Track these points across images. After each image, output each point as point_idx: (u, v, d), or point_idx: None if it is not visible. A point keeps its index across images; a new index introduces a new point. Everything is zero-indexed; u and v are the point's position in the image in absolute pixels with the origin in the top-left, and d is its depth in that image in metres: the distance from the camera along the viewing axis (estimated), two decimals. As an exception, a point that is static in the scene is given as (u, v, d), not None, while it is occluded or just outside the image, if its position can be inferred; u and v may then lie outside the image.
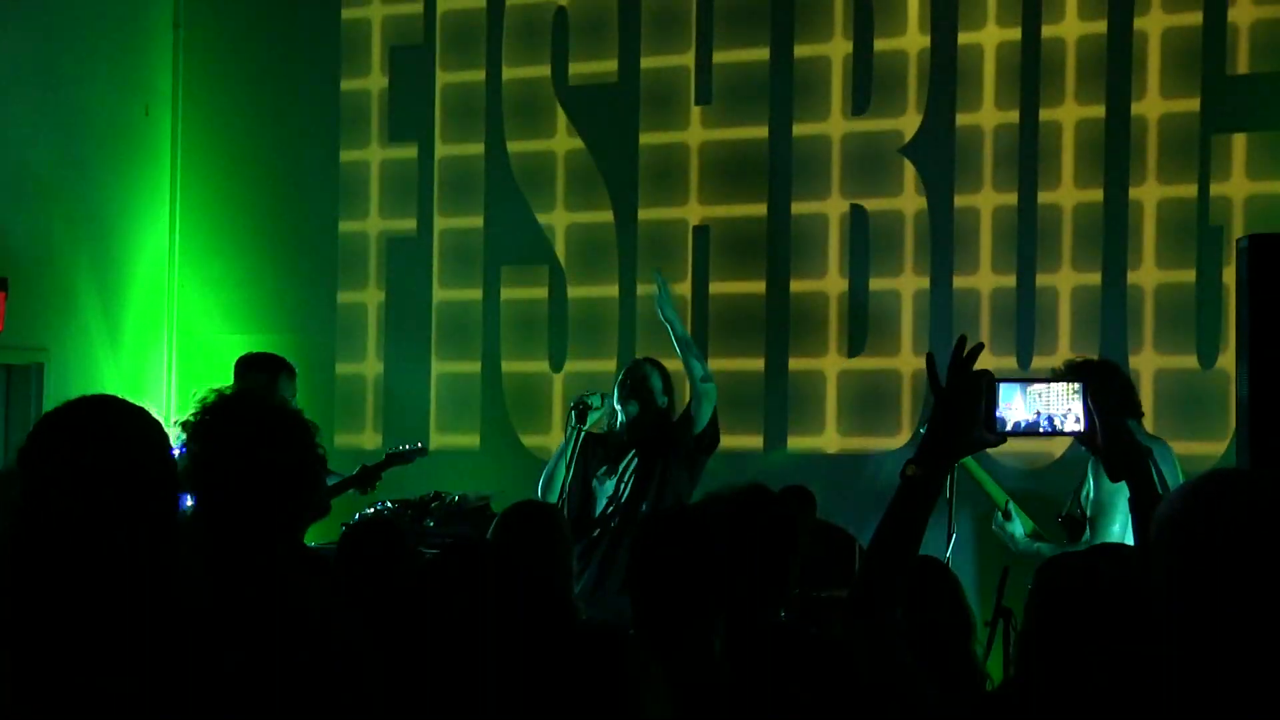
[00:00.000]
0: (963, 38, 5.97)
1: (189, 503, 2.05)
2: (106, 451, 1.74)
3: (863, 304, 6.09)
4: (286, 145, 6.91)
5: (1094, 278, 5.80)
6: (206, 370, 5.44)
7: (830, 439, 6.12)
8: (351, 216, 6.84)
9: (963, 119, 5.96)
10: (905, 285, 6.06)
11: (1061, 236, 5.84)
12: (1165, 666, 1.62)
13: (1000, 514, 3.93)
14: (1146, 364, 5.70)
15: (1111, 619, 1.82)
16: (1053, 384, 1.98)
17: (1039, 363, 5.62)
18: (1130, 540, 3.56)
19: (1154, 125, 5.76)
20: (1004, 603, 3.76)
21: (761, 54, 6.24)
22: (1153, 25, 5.73)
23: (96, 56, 6.62)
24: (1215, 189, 5.65)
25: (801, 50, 6.19)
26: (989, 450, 1.99)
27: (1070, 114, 5.85)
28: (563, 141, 6.53)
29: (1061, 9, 5.84)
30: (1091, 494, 3.76)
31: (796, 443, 6.12)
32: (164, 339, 7.01)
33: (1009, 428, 1.94)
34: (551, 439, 6.23)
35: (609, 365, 6.14)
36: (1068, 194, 5.86)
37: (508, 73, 6.60)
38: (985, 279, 5.96)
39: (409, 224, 6.76)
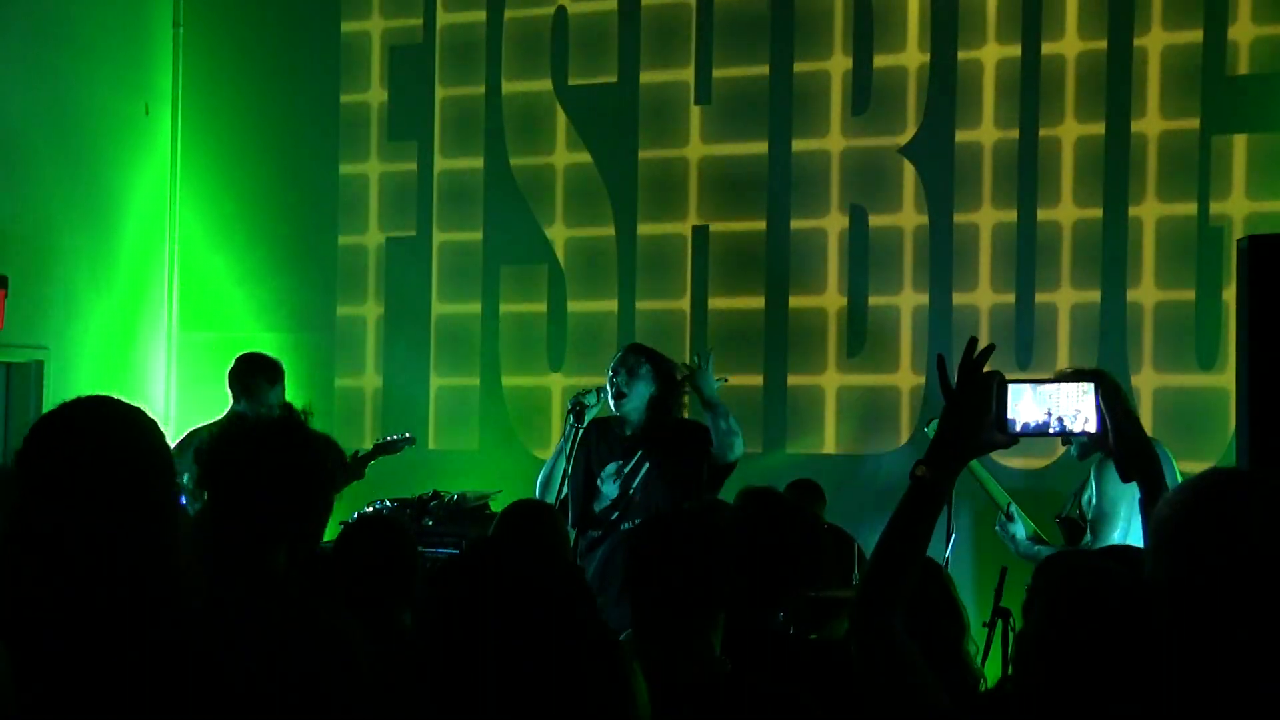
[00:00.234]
0: (963, 54, 5.99)
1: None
2: (103, 452, 1.74)
3: (861, 319, 6.10)
4: (286, 143, 6.91)
5: (1093, 295, 5.80)
6: (206, 371, 5.44)
7: (830, 378, 6.12)
8: (351, 217, 6.85)
9: (962, 135, 5.97)
10: (905, 301, 6.07)
11: (1061, 253, 5.86)
12: (1165, 667, 1.62)
13: (1003, 515, 3.93)
14: (1146, 382, 5.71)
15: (1113, 619, 1.82)
16: (1063, 385, 1.98)
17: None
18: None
19: (1154, 142, 5.78)
20: (1002, 603, 3.77)
21: (761, 69, 6.25)
22: (1153, 43, 5.76)
23: (97, 55, 6.63)
24: (1215, 206, 5.66)
25: (801, 66, 6.20)
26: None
27: (1070, 131, 5.87)
28: (562, 155, 6.55)
29: (1061, 26, 5.87)
30: (1094, 499, 3.75)
31: (796, 383, 6.12)
32: (163, 338, 7.01)
33: (1019, 429, 1.93)
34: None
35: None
36: (1067, 211, 5.87)
37: (507, 87, 6.61)
38: (984, 295, 5.97)
39: (409, 229, 6.76)
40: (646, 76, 6.39)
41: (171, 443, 2.21)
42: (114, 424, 1.79)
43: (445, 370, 6.67)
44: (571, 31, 6.53)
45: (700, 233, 6.33)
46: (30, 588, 1.71)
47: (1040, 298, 5.85)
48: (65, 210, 6.48)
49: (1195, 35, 5.70)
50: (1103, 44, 5.84)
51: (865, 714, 1.97)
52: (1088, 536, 3.80)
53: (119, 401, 1.87)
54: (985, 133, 5.97)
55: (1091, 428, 1.98)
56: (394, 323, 6.76)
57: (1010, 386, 1.94)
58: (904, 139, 6.07)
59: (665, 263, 6.35)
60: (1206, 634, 1.57)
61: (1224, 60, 5.67)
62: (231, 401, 5.20)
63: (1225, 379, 5.45)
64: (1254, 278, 2.41)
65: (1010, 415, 1.93)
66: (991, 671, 3.82)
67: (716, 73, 6.32)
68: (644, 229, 6.40)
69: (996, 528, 3.96)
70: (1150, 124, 5.76)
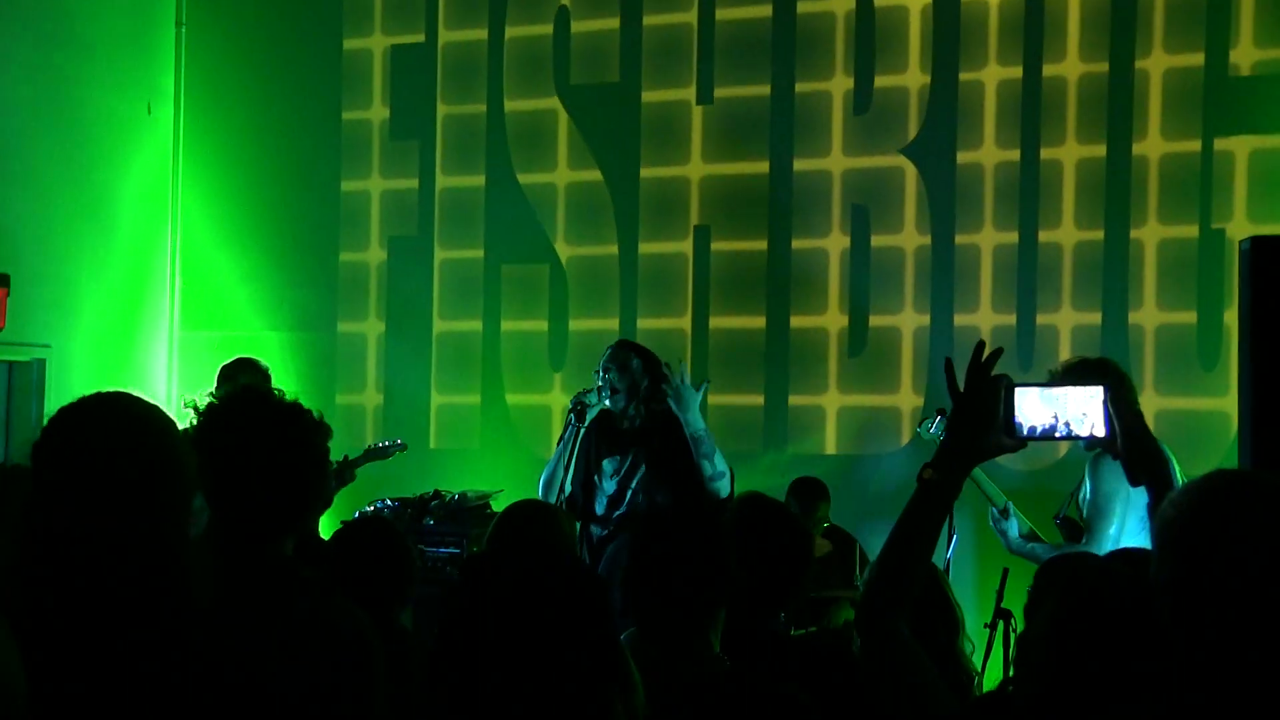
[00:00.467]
0: (964, 75, 6.00)
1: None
2: (117, 449, 1.74)
3: (862, 338, 6.10)
4: (287, 141, 6.92)
5: (1094, 317, 5.79)
6: (208, 369, 5.42)
7: (832, 398, 6.12)
8: (354, 212, 6.85)
9: (963, 156, 5.99)
10: (906, 321, 6.08)
11: (1062, 274, 5.86)
12: (1168, 668, 1.62)
13: (997, 510, 3.93)
14: (1148, 404, 5.69)
15: (1116, 620, 1.82)
16: (1070, 388, 1.98)
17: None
18: (1125, 544, 3.58)
19: (1154, 165, 5.80)
20: (1003, 605, 3.76)
21: (763, 88, 6.25)
22: (1154, 66, 5.79)
23: (99, 54, 6.64)
24: (1216, 226, 5.67)
25: (803, 85, 6.21)
26: (994, 451, 1.98)
27: (1071, 153, 5.88)
28: (564, 173, 6.56)
29: (1063, 48, 5.89)
30: (1088, 496, 3.76)
31: (798, 402, 6.13)
32: (165, 336, 7.02)
33: (1026, 432, 1.93)
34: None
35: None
36: (1068, 232, 5.89)
37: (509, 104, 6.62)
38: (985, 316, 5.97)
39: (410, 216, 6.77)
40: (648, 94, 6.41)
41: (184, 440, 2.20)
42: (129, 421, 1.79)
43: (446, 387, 6.66)
44: (573, 49, 6.55)
45: (702, 251, 6.33)
46: (43, 583, 1.71)
47: (1041, 319, 5.86)
48: (67, 208, 6.50)
49: (1197, 58, 5.73)
50: (1104, 66, 5.86)
51: (869, 714, 1.96)
52: (1085, 537, 3.79)
53: (135, 398, 1.86)
54: (986, 153, 5.99)
55: (1099, 431, 1.98)
56: (395, 335, 6.76)
57: (1018, 390, 1.94)
58: (905, 160, 6.08)
59: (667, 281, 6.36)
60: (1210, 635, 1.57)
61: (1226, 81, 5.69)
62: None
63: (1227, 401, 5.45)
64: (1255, 279, 2.42)
65: (1018, 419, 1.93)
66: (993, 673, 3.82)
67: (718, 91, 6.33)
68: (645, 247, 6.41)
69: (990, 520, 3.95)
70: (1151, 145, 5.78)
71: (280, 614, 1.83)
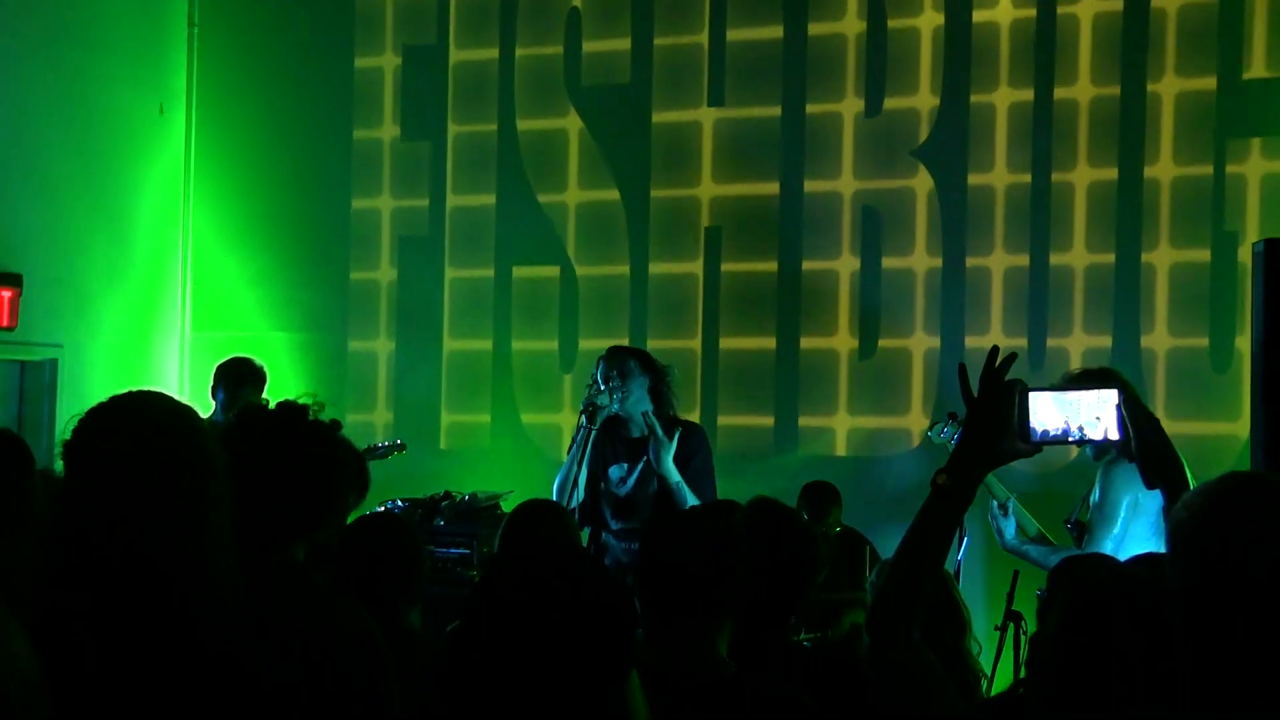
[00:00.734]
0: (975, 97, 6.00)
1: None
2: (150, 446, 1.74)
3: (873, 361, 6.07)
4: (299, 143, 6.94)
5: (1105, 340, 5.79)
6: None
7: (841, 420, 6.12)
8: (364, 215, 6.86)
9: (974, 179, 6.00)
10: (916, 344, 6.06)
11: (1073, 297, 5.86)
12: (1180, 670, 1.61)
13: (996, 505, 3.91)
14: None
15: (1128, 623, 1.82)
16: (1084, 393, 1.98)
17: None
18: (1135, 550, 3.57)
19: (1166, 188, 5.81)
20: (1014, 607, 3.74)
21: (774, 110, 6.25)
22: (1166, 89, 5.80)
23: (112, 55, 6.66)
24: (1228, 249, 5.65)
25: (813, 107, 6.21)
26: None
27: (1083, 176, 5.89)
28: (575, 193, 6.55)
29: (1074, 72, 5.89)
30: (1097, 502, 3.75)
31: (807, 424, 6.12)
32: (177, 336, 7.03)
33: (1039, 437, 1.93)
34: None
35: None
36: (1079, 256, 5.89)
37: (520, 53, 6.62)
38: (996, 339, 5.96)
39: (421, 223, 6.78)
40: (659, 114, 6.42)
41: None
42: (160, 419, 1.79)
43: (456, 408, 6.66)
44: (584, 70, 6.56)
45: (712, 271, 6.34)
46: (68, 580, 1.71)
47: (1052, 342, 5.86)
48: (80, 208, 6.51)
49: (1209, 82, 5.74)
50: (1116, 89, 5.86)
51: (878, 717, 1.95)
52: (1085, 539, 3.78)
53: (167, 397, 1.87)
54: (997, 176, 6.00)
55: (1113, 434, 1.97)
56: (405, 303, 6.75)
57: (1032, 395, 1.93)
58: (918, 182, 6.10)
59: (677, 302, 6.36)
60: (1222, 637, 1.56)
61: (1238, 104, 5.69)
62: (213, 397, 5.21)
63: (1239, 426, 5.43)
64: (1269, 281, 2.42)
65: (1032, 423, 1.93)
66: (1003, 675, 3.80)
67: (729, 112, 6.35)
68: (656, 267, 6.41)
69: (989, 515, 3.94)
70: (1163, 168, 5.78)
71: (287, 619, 1.83)
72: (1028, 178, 5.94)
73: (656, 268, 6.41)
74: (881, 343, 6.08)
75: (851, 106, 6.18)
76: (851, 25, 6.19)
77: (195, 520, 1.74)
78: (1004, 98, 6.00)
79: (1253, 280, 2.60)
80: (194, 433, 1.79)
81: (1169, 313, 5.75)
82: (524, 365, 6.58)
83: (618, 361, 4.43)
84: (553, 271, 6.55)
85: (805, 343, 6.19)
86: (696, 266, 6.36)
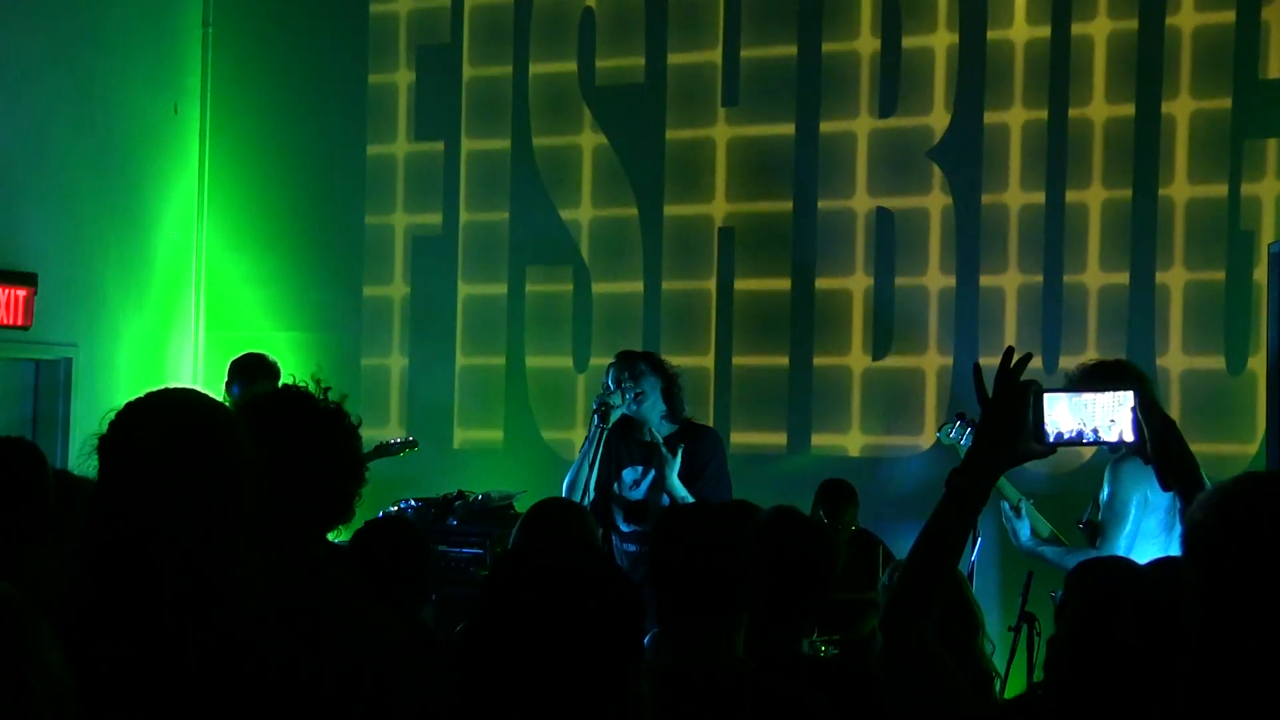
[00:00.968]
0: (992, 34, 5.99)
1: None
2: (184, 443, 1.75)
3: (888, 301, 6.06)
4: (314, 142, 6.96)
5: (1122, 277, 5.79)
6: (233, 366, 5.46)
7: (854, 438, 6.11)
8: (378, 212, 6.88)
9: (991, 118, 5.98)
10: (931, 283, 6.01)
11: (1089, 235, 5.84)
12: (1197, 671, 1.61)
13: (1009, 506, 3.90)
14: (1174, 364, 5.64)
15: (1145, 623, 1.81)
16: (1099, 394, 1.98)
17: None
18: (1148, 549, 3.56)
19: (1180, 207, 5.81)
20: (1027, 608, 3.72)
21: (789, 50, 6.24)
22: (1181, 108, 5.80)
23: (126, 54, 6.69)
24: (1242, 272, 5.63)
25: (829, 47, 6.19)
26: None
27: (1097, 195, 5.90)
28: (588, 137, 6.56)
29: (1089, 90, 5.90)
30: (1106, 501, 3.74)
31: (820, 442, 6.11)
32: (191, 335, 7.04)
33: (1053, 438, 1.93)
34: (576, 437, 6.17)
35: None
36: (1093, 275, 5.88)
37: (534, 69, 6.64)
38: (1012, 278, 5.95)
39: (434, 220, 6.79)
40: (673, 132, 6.43)
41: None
42: (195, 415, 1.79)
43: (471, 352, 6.65)
44: (599, 14, 6.55)
45: (725, 289, 6.33)
46: (103, 577, 1.71)
47: (1065, 361, 5.83)
48: (94, 208, 6.53)
49: (1224, 102, 5.73)
50: (1130, 109, 5.82)
51: (892, 717, 1.95)
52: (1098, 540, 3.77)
53: (201, 394, 1.88)
54: (1011, 195, 6.00)
55: (1128, 436, 1.97)
56: (419, 306, 6.76)
57: (1047, 396, 1.94)
58: (933, 122, 6.05)
59: (691, 245, 6.35)
60: (1239, 638, 1.56)
61: (1253, 126, 5.68)
62: (228, 392, 5.22)
63: (1252, 446, 5.41)
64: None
65: (1046, 424, 1.93)
66: (1016, 676, 3.77)
67: (744, 54, 6.31)
68: (670, 211, 6.40)
69: (1003, 517, 3.93)
70: (1178, 189, 5.77)
71: (316, 616, 1.83)
72: (1042, 196, 5.94)
73: (670, 284, 6.41)
74: (895, 361, 6.08)
75: (865, 124, 6.18)
76: (866, 43, 6.21)
77: (229, 517, 1.75)
78: (1018, 116, 6.00)
79: (1269, 280, 2.59)
80: (228, 429, 1.80)
81: (1183, 333, 5.74)
82: (537, 380, 6.57)
83: (629, 364, 4.45)
84: (565, 287, 6.55)
85: (819, 360, 6.18)
86: (710, 283, 6.36)
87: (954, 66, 6.07)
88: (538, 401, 6.56)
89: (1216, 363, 5.68)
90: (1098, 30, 5.90)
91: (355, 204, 6.90)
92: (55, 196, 6.34)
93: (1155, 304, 5.78)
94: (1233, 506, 1.58)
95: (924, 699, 1.84)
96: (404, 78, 6.90)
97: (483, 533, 5.13)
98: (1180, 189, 5.78)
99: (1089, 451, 5.06)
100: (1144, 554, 3.51)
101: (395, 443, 5.47)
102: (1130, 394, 1.96)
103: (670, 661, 2.19)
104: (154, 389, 1.88)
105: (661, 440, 4.30)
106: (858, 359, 6.15)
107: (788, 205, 6.26)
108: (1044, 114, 5.95)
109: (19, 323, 6.05)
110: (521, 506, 4.57)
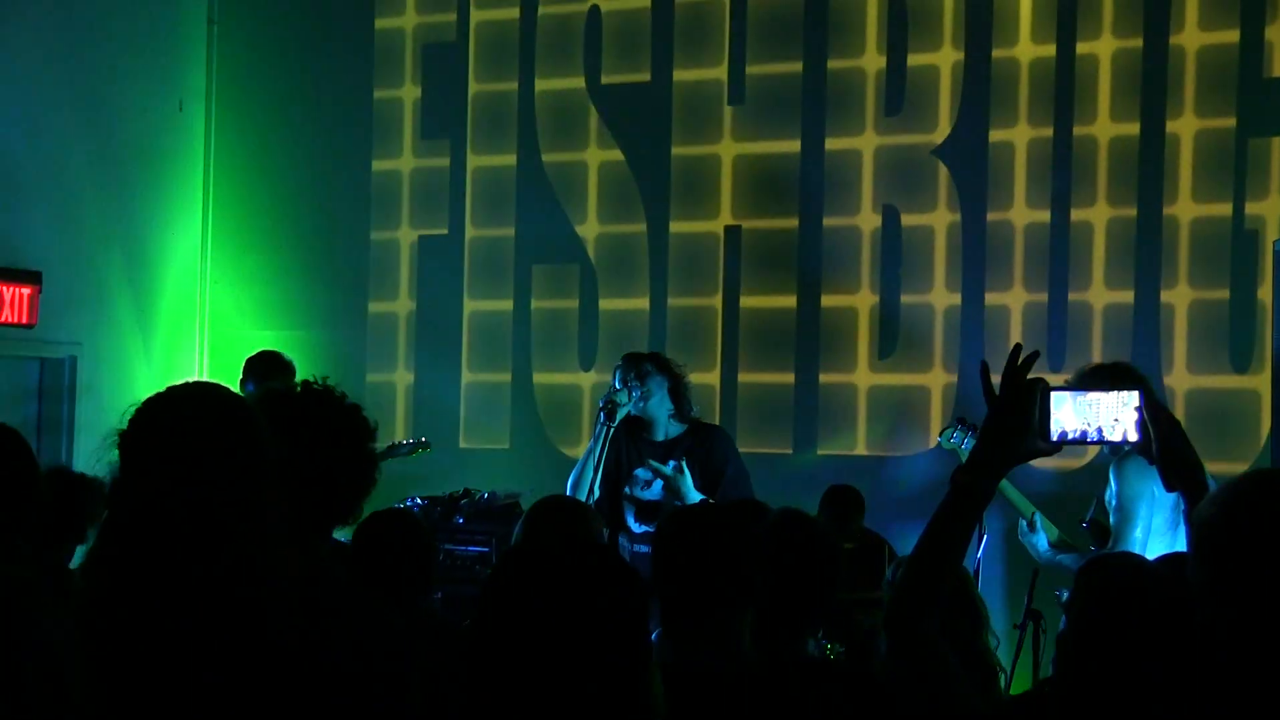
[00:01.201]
0: (997, 52, 5.99)
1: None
2: (208, 438, 1.75)
3: (894, 318, 6.07)
4: (319, 140, 6.96)
5: (1127, 295, 5.78)
6: (237, 365, 5.44)
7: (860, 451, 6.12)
8: (383, 213, 6.88)
9: (996, 134, 5.99)
10: (937, 299, 6.03)
11: (1094, 253, 5.84)
12: (1206, 667, 1.60)
13: (1025, 523, 3.90)
14: (1179, 383, 5.65)
15: (1153, 619, 1.80)
16: (1104, 394, 1.97)
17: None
18: (1155, 545, 3.55)
19: (1185, 226, 5.82)
20: (1033, 605, 3.72)
21: (795, 66, 6.25)
22: (1185, 127, 5.81)
23: (131, 52, 6.70)
24: (1246, 291, 5.64)
25: (835, 63, 6.20)
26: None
27: (1101, 214, 5.90)
28: (595, 153, 6.57)
29: (1094, 109, 5.89)
30: (1113, 499, 3.74)
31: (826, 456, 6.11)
32: (195, 333, 7.04)
33: (1059, 436, 1.93)
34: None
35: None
36: (1098, 294, 5.88)
37: (540, 84, 6.65)
38: (1017, 295, 5.96)
39: (440, 234, 6.80)
40: (680, 74, 6.42)
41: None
42: (217, 408, 1.80)
43: (477, 366, 6.65)
44: (605, 29, 6.56)
45: (733, 230, 6.33)
46: (122, 569, 1.71)
47: (1073, 297, 5.84)
48: (100, 205, 6.53)
49: (1229, 121, 5.73)
50: (1135, 127, 5.83)
51: (896, 715, 1.94)
52: (1111, 539, 3.76)
53: (223, 388, 1.89)
54: (1017, 213, 6.01)
55: (1132, 436, 1.97)
56: (425, 320, 6.76)
57: (1053, 394, 1.93)
58: (937, 137, 6.07)
59: (697, 260, 6.35)
60: (1247, 634, 1.55)
61: (1258, 146, 5.69)
62: (242, 389, 5.22)
63: (1260, 380, 5.40)
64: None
65: (1052, 423, 1.93)
66: (1022, 674, 3.77)
67: (750, 70, 6.33)
68: (676, 226, 6.41)
69: (1020, 535, 3.94)
70: (1183, 208, 5.78)
71: (326, 606, 1.83)
72: (1047, 214, 5.94)
73: (675, 300, 6.41)
74: (900, 378, 6.07)
75: (873, 62, 6.17)
76: (872, 60, 6.23)
77: (258, 508, 1.75)
78: (1023, 134, 6.01)
79: (1275, 277, 2.58)
80: (250, 424, 1.80)
81: (1188, 351, 5.74)
82: (544, 395, 6.56)
83: (635, 364, 4.46)
84: (572, 303, 6.56)
85: (824, 377, 6.18)
86: (716, 299, 6.37)
87: (959, 84, 6.08)
88: (545, 416, 6.55)
89: (1221, 381, 5.68)
90: (1102, 49, 5.92)
91: (361, 199, 6.90)
92: (60, 194, 6.34)
93: (1160, 322, 5.78)
94: (1240, 503, 1.58)
95: (928, 698, 1.84)
96: (410, 93, 6.92)
97: (489, 531, 5.13)
98: (1185, 207, 5.78)
99: (1093, 449, 5.06)
100: (1153, 551, 3.51)
101: (407, 443, 5.48)
102: (1136, 394, 1.96)
103: (672, 661, 2.18)
104: (175, 384, 1.88)
105: (669, 440, 4.26)
106: (863, 375, 6.15)
107: (793, 221, 6.27)
108: (1049, 131, 5.96)
109: (24, 321, 6.05)
110: (528, 505, 4.55)
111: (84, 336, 6.44)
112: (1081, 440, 1.96)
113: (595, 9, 6.61)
